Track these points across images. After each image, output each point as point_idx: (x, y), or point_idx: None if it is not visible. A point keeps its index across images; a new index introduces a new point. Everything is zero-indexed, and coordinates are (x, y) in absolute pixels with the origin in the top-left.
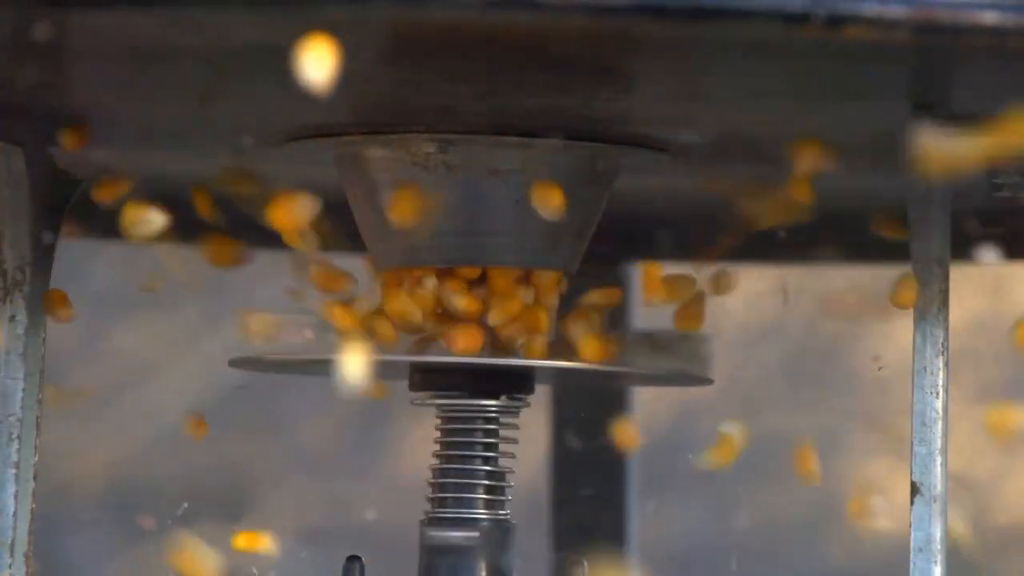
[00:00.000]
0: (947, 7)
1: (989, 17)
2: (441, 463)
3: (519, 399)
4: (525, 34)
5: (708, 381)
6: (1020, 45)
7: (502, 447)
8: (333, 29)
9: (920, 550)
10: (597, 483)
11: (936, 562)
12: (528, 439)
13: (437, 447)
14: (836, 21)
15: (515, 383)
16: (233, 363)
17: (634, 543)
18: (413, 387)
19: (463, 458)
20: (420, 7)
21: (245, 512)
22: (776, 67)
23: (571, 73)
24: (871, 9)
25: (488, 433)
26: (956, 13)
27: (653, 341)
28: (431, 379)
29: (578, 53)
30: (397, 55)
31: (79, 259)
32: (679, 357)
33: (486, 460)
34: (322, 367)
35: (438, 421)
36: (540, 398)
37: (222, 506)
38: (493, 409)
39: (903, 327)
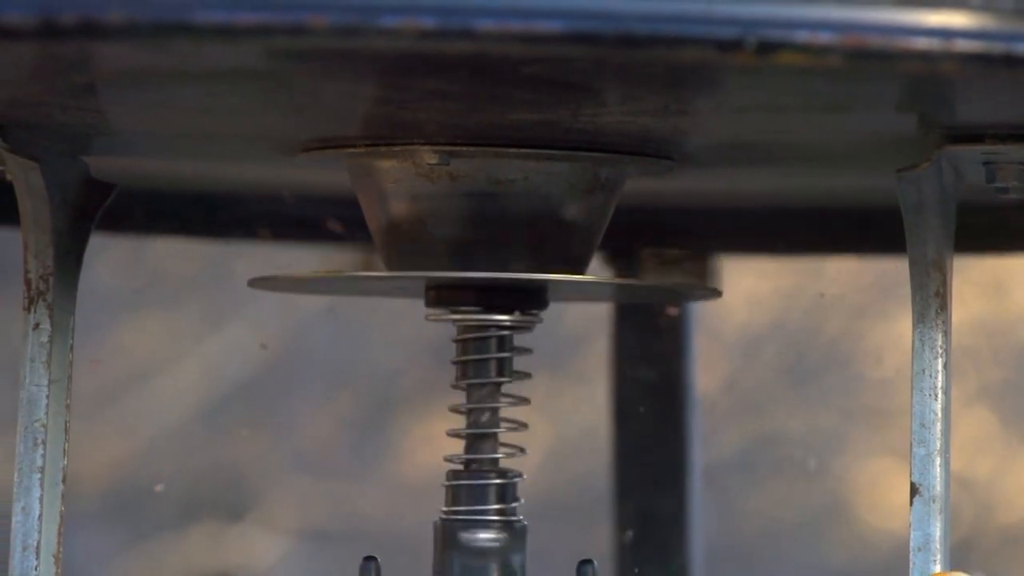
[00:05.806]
0: (877, 33)
1: (919, 43)
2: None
3: (531, 314)
4: (483, 57)
5: (716, 294)
6: (951, 69)
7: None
8: (280, 55)
9: (919, 550)
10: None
11: (935, 561)
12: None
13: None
14: (768, 48)
15: (526, 299)
16: (252, 283)
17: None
18: (429, 303)
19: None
20: (358, 35)
21: (245, 512)
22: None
23: (546, 91)
24: (802, 36)
25: (501, 347)
26: (886, 39)
27: (664, 259)
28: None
29: (547, 74)
30: (351, 76)
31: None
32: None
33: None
34: (338, 286)
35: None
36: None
37: (222, 506)
38: (506, 323)
39: (905, 327)
